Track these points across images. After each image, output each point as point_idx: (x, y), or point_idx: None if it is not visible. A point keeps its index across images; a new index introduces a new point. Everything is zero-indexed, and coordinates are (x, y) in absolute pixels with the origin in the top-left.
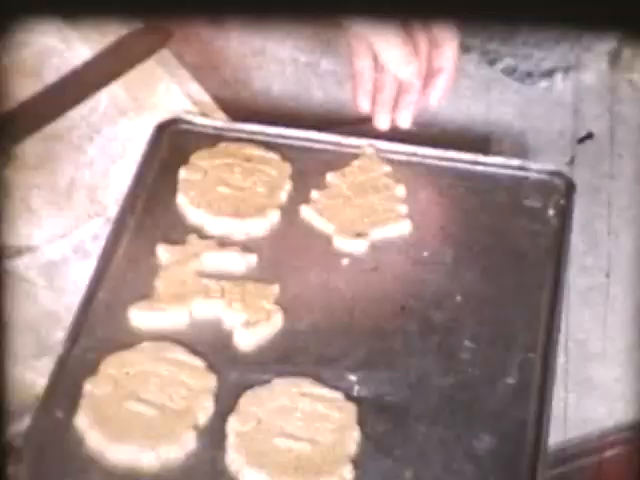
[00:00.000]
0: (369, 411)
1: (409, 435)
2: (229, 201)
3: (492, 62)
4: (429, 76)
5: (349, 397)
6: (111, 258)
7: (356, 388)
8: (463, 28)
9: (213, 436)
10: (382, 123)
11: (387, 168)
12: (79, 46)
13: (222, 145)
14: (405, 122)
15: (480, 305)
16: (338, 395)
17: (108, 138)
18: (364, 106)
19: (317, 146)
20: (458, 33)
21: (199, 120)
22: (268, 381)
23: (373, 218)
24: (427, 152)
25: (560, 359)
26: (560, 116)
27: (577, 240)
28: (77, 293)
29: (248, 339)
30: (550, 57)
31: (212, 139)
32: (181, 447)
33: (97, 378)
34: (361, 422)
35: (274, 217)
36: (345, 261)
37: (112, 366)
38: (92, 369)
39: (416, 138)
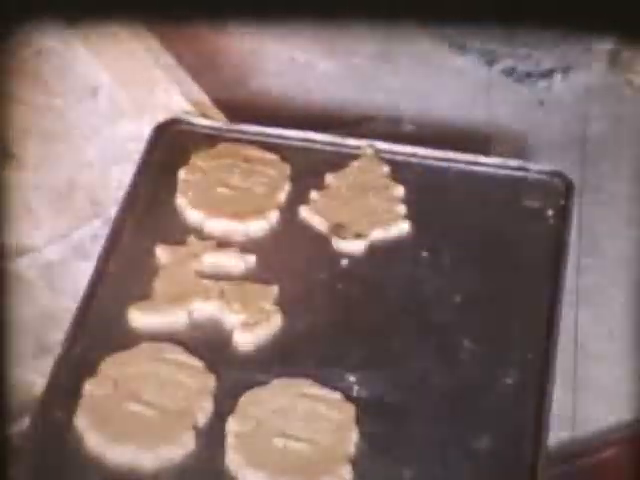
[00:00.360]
0: (368, 411)
1: (408, 435)
2: (228, 202)
3: (491, 62)
4: None
5: (348, 397)
6: (110, 258)
7: (355, 388)
8: (462, 29)
9: (212, 437)
10: None
11: (386, 169)
12: (79, 46)
13: (221, 146)
14: None
15: (479, 305)
16: (337, 395)
17: (108, 138)
18: None
19: (316, 147)
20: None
21: (198, 121)
22: (267, 382)
23: (372, 219)
24: (426, 152)
25: (560, 359)
26: (559, 116)
27: (577, 240)
28: (76, 293)
29: (247, 340)
30: (549, 57)
31: (211, 140)
32: (180, 447)
33: (96, 379)
34: (360, 422)
35: (273, 218)
36: (344, 262)
37: (111, 367)
38: (91, 369)
39: (415, 138)
